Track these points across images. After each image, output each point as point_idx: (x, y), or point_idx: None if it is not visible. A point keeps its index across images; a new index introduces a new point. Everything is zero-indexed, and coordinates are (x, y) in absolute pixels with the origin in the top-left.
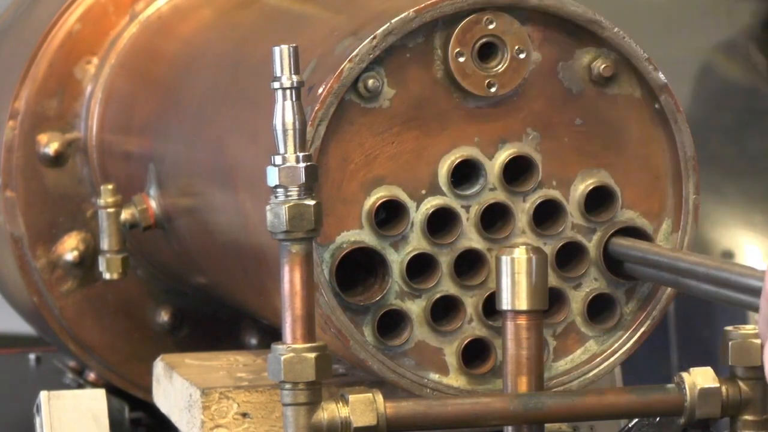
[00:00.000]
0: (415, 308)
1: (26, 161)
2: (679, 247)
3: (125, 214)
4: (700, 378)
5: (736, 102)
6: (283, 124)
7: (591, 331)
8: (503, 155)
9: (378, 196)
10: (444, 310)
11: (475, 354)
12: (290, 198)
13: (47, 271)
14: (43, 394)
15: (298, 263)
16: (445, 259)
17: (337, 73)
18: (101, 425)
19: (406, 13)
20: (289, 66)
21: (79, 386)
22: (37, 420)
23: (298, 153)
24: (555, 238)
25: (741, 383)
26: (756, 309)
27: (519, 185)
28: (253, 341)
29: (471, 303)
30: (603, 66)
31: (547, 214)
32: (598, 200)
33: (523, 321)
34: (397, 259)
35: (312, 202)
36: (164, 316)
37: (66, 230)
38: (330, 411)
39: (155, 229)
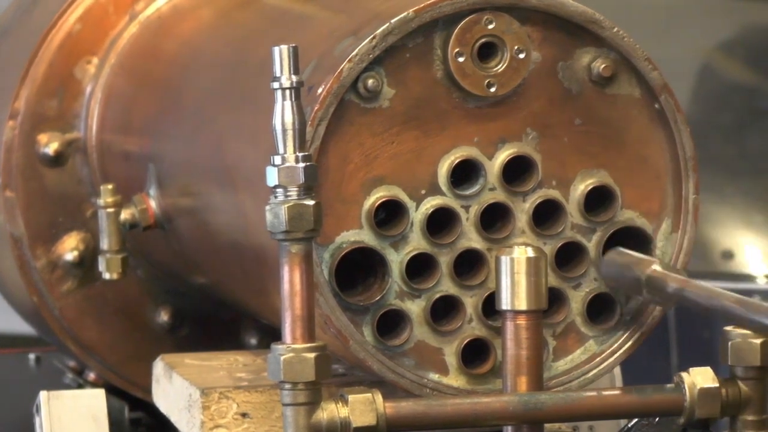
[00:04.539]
0: (415, 308)
1: (26, 161)
2: (678, 247)
3: (125, 214)
4: (700, 378)
5: (736, 102)
6: (283, 124)
7: (591, 331)
8: (503, 155)
9: (378, 196)
10: (444, 310)
11: (474, 354)
12: (290, 198)
13: (47, 271)
14: (43, 394)
15: (297, 263)
16: (445, 259)
17: (336, 73)
18: (101, 425)
19: (405, 13)
20: (289, 66)
21: (79, 386)
22: (37, 420)
23: (297, 153)
24: (555, 238)
25: (741, 383)
26: None
27: (519, 185)
28: (253, 341)
29: (471, 303)
30: (603, 66)
31: (546, 214)
32: (598, 200)
33: (522, 321)
34: (396, 259)
35: (311, 202)
36: (164, 316)
37: (66, 230)
38: (329, 411)
39: (155, 229)
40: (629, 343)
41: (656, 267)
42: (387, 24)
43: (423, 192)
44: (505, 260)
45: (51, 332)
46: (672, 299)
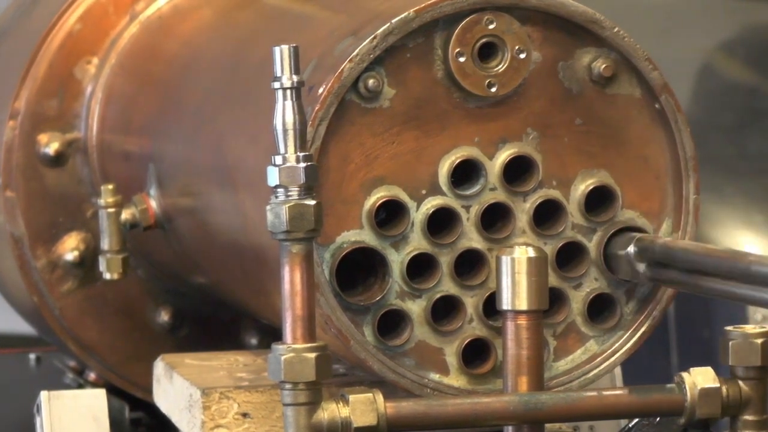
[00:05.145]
0: (416, 308)
1: (26, 161)
2: None
3: (125, 214)
4: (701, 378)
5: (736, 102)
6: (284, 124)
7: (591, 331)
8: (503, 155)
9: (378, 196)
10: (444, 310)
11: (475, 354)
12: (290, 198)
13: (47, 271)
14: (44, 394)
15: (298, 263)
16: (446, 259)
17: (337, 73)
18: (101, 425)
19: (406, 13)
20: (290, 66)
21: (80, 386)
22: (38, 420)
23: (298, 153)
24: (555, 238)
25: (741, 383)
26: None
27: (519, 185)
28: (253, 341)
29: (471, 303)
30: (603, 66)
31: (547, 214)
32: (599, 200)
33: (523, 321)
34: (397, 259)
35: (312, 202)
36: (164, 316)
37: (66, 230)
38: (330, 411)
39: (155, 229)
40: (630, 344)
41: (647, 234)
42: (388, 24)
43: (423, 192)
44: (505, 260)
45: (51, 332)
46: (658, 258)
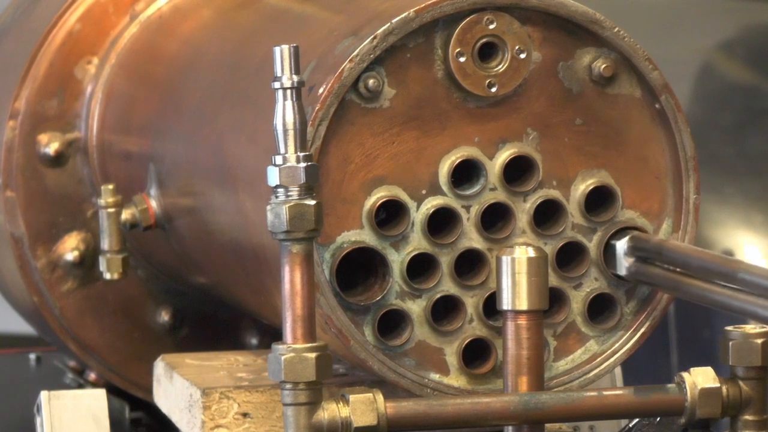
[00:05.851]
0: (416, 308)
1: (26, 161)
2: None
3: (125, 214)
4: (701, 378)
5: (736, 102)
6: (284, 124)
7: (591, 331)
8: (504, 155)
9: (378, 196)
10: (444, 310)
11: (475, 354)
12: (291, 198)
13: (47, 271)
14: (44, 394)
15: (298, 263)
16: (446, 259)
17: (337, 73)
18: (101, 425)
19: (406, 13)
20: (290, 66)
21: (80, 386)
22: (38, 420)
23: (298, 153)
24: (555, 238)
25: (741, 383)
26: None
27: (519, 185)
28: (254, 341)
29: (471, 303)
30: (603, 66)
31: (547, 214)
32: (599, 200)
33: (523, 321)
34: (397, 259)
35: (312, 202)
36: (164, 316)
37: (66, 230)
38: (330, 411)
39: (155, 229)
40: (630, 344)
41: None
42: (388, 24)
43: (424, 192)
44: (506, 260)
45: (51, 332)
46: (651, 255)
